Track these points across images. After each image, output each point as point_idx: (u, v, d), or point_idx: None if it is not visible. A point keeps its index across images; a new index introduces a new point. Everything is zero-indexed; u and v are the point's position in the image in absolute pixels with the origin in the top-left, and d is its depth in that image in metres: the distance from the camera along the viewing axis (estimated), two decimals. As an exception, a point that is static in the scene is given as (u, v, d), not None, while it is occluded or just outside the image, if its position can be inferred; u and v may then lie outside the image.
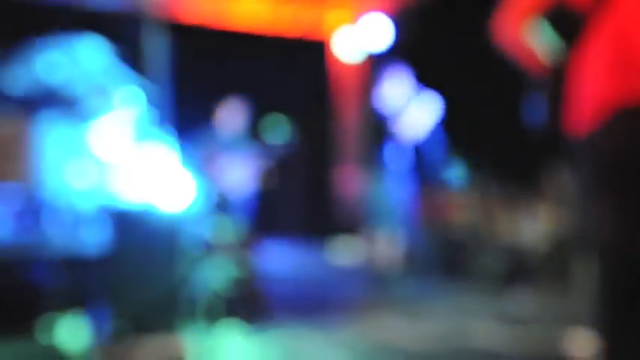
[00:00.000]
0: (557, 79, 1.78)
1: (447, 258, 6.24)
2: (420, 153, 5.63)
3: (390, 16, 8.68)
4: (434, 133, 5.66)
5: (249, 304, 3.65)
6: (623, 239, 1.67)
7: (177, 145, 4.15)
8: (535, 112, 1.81)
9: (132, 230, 3.39)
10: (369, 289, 5.43)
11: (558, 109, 1.77)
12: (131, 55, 4.32)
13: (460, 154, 6.48)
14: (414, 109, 5.45)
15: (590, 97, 1.70)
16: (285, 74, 9.56)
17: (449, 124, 5.74)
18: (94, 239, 3.58)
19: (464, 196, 9.34)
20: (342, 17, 9.97)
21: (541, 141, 1.86)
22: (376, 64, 5.93)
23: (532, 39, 1.86)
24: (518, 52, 1.89)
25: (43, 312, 3.31)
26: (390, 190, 5.46)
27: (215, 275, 3.47)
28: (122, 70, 4.30)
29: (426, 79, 5.82)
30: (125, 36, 4.33)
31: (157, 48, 3.69)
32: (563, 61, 1.77)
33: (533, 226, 6.33)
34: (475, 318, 4.18)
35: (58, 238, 3.72)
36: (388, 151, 5.41)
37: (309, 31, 9.85)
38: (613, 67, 1.66)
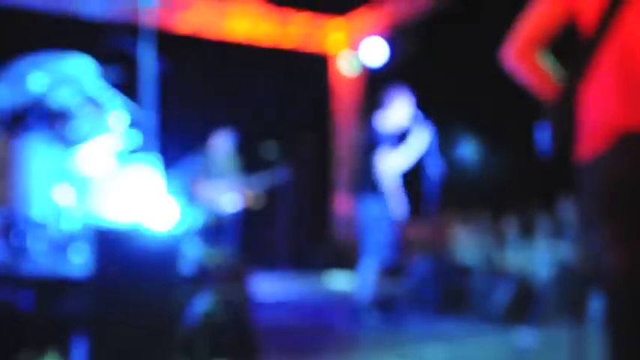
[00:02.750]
0: (564, 104, 1.75)
1: (447, 287, 6.05)
2: (417, 177, 5.49)
3: (387, 37, 8.68)
4: (431, 157, 5.53)
5: (241, 342, 3.45)
6: (629, 266, 1.64)
7: (163, 168, 4.13)
8: (545, 138, 1.78)
9: (120, 252, 3.16)
10: (361, 324, 5.21)
11: (567, 135, 1.75)
12: (121, 75, 4.31)
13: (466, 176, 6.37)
14: (413, 134, 5.32)
15: (596, 122, 1.70)
16: (282, 95, 9.50)
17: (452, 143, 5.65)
18: (81, 261, 3.44)
19: (465, 221, 9.23)
20: (342, 38, 9.96)
21: (551, 168, 1.82)
22: (374, 85, 5.83)
23: (539, 66, 1.89)
24: (526, 78, 1.92)
25: (23, 345, 3.10)
26: (385, 216, 5.30)
27: (205, 307, 3.26)
28: (110, 90, 4.23)
29: (427, 101, 5.73)
30: (115, 54, 4.19)
31: (148, 67, 3.52)
32: (569, 87, 1.76)
33: (542, 254, 6.16)
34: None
35: (43, 260, 3.55)
36: (382, 176, 5.27)
37: (310, 48, 9.81)
38: (619, 91, 1.66)
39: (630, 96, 1.64)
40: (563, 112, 1.74)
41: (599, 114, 1.70)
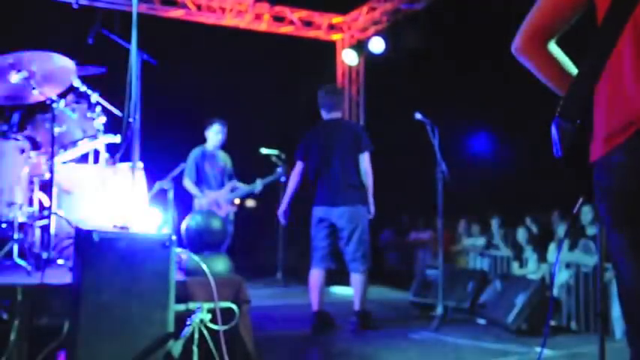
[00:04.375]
0: (579, 96, 1.63)
1: (458, 293, 5.77)
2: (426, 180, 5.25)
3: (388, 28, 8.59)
4: (438, 159, 5.31)
5: (237, 351, 3.23)
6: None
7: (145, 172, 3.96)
8: (559, 136, 1.65)
9: (106, 258, 2.88)
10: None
11: (582, 131, 1.62)
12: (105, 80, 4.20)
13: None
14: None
15: (611, 114, 1.58)
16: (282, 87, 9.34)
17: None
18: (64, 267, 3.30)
19: (478, 226, 8.98)
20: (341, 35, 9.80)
21: (566, 167, 1.68)
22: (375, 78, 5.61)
23: (551, 57, 1.79)
24: (538, 70, 1.82)
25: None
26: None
27: (199, 316, 3.02)
28: (93, 92, 4.06)
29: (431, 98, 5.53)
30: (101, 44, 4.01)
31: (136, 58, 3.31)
32: (585, 77, 1.63)
33: (560, 261, 5.88)
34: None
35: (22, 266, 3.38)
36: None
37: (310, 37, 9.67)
38: (636, 85, 1.53)
39: None
40: (578, 104, 1.62)
41: (614, 106, 1.57)
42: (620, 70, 1.56)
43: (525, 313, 5.00)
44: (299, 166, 5.24)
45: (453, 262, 8.50)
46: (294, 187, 5.24)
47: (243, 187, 6.27)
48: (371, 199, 5.08)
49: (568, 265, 5.87)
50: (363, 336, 4.86)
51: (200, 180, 6.15)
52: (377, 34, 8.72)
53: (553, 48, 1.79)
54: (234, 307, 3.09)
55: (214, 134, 6.23)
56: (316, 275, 5.11)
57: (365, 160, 5.04)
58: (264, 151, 7.91)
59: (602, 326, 3.18)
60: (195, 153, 6.19)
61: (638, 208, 1.51)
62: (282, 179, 6.37)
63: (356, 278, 5.07)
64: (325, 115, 5.27)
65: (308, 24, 9.65)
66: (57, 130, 3.77)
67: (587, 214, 5.99)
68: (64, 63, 3.84)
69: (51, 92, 3.80)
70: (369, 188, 5.06)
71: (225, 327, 3.00)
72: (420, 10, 8.34)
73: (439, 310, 5.40)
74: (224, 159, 6.33)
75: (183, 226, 3.68)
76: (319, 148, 5.14)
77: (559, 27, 1.77)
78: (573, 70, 1.77)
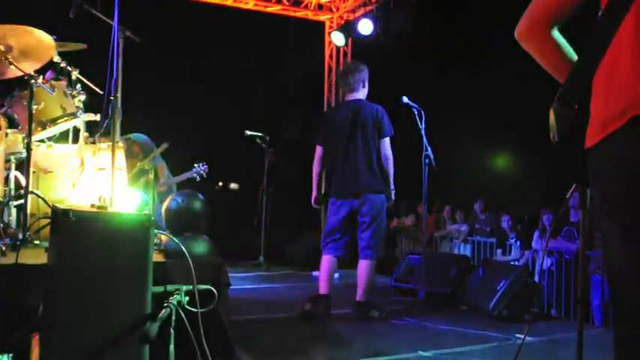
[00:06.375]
0: (578, 84, 1.62)
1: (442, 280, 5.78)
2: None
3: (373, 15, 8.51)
4: (423, 145, 5.25)
5: (215, 334, 3.19)
6: (630, 262, 1.52)
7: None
8: (558, 123, 1.63)
9: (85, 237, 2.81)
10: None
11: (578, 118, 1.61)
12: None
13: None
14: None
15: (607, 101, 1.58)
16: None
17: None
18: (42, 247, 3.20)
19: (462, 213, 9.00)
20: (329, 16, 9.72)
21: (564, 157, 1.69)
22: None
23: (554, 44, 1.79)
24: (541, 57, 1.83)
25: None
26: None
27: (176, 298, 2.97)
28: (74, 72, 3.98)
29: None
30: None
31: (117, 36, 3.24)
32: (585, 65, 1.62)
33: (544, 248, 5.89)
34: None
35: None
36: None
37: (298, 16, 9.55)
38: (636, 67, 1.52)
39: None
40: (577, 90, 1.61)
41: (611, 92, 1.57)
42: (619, 57, 1.57)
43: (506, 300, 5.01)
44: (319, 150, 5.09)
45: (436, 247, 8.52)
46: (317, 172, 5.10)
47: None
48: (392, 186, 4.97)
49: (550, 253, 5.90)
50: (343, 320, 4.84)
51: None
52: (365, 15, 8.63)
53: (556, 35, 1.79)
54: (213, 289, 3.04)
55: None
56: (328, 261, 5.00)
57: (385, 146, 4.90)
58: (248, 132, 7.85)
59: (581, 313, 3.19)
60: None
61: (630, 196, 1.52)
62: (197, 179, 6.03)
63: (363, 264, 4.94)
64: (344, 96, 5.13)
65: (296, 3, 9.53)
66: (35, 107, 3.68)
67: (571, 200, 6.00)
68: (43, 38, 3.75)
69: (29, 68, 3.71)
70: (389, 175, 4.94)
71: (203, 309, 2.96)
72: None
73: (421, 296, 5.40)
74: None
75: (164, 207, 3.63)
76: (337, 132, 4.97)
77: (563, 13, 1.77)
78: (574, 58, 1.77)
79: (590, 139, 1.61)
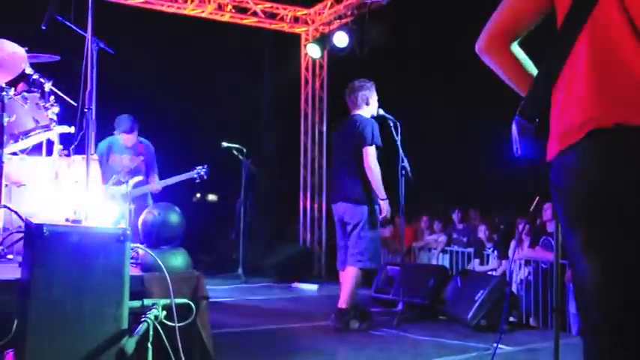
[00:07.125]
0: (538, 98, 1.66)
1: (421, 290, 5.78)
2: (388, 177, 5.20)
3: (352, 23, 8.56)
4: (400, 155, 5.27)
5: (194, 347, 3.14)
6: (599, 278, 1.53)
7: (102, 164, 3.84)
8: (521, 138, 1.68)
9: (58, 252, 2.75)
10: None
11: (540, 131, 1.65)
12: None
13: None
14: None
15: (565, 116, 1.60)
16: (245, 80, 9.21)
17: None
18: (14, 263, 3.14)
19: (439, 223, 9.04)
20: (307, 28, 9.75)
21: (525, 167, 1.71)
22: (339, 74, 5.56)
23: (513, 59, 1.81)
24: (500, 71, 1.85)
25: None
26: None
27: (155, 312, 2.92)
28: (47, 84, 3.93)
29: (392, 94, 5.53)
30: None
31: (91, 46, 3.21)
32: (543, 79, 1.67)
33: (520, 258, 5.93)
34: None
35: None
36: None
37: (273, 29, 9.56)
38: (591, 83, 1.55)
39: (603, 88, 1.53)
40: (537, 104, 1.65)
41: (569, 106, 1.59)
42: (576, 71, 1.59)
43: (484, 309, 5.02)
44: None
45: (415, 258, 8.54)
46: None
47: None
48: (382, 196, 4.97)
49: (528, 262, 5.94)
50: (323, 332, 4.82)
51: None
52: (341, 28, 8.67)
53: (515, 49, 1.82)
54: (191, 303, 3.01)
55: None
56: (341, 276, 5.11)
57: (366, 156, 4.94)
58: (225, 144, 7.81)
59: (558, 322, 3.21)
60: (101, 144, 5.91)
61: (590, 209, 1.53)
62: (197, 180, 5.95)
63: (347, 271, 4.98)
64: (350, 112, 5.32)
65: (272, 16, 9.55)
66: (6, 119, 3.62)
67: (547, 211, 6.06)
68: (14, 49, 3.69)
69: (0, 80, 3.65)
70: (372, 184, 4.94)
71: (181, 324, 2.92)
72: (385, 5, 8.32)
73: (400, 307, 5.39)
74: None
75: (140, 220, 3.58)
76: (335, 146, 5.33)
77: (522, 29, 1.80)
78: (534, 71, 1.79)
79: (551, 152, 1.63)
